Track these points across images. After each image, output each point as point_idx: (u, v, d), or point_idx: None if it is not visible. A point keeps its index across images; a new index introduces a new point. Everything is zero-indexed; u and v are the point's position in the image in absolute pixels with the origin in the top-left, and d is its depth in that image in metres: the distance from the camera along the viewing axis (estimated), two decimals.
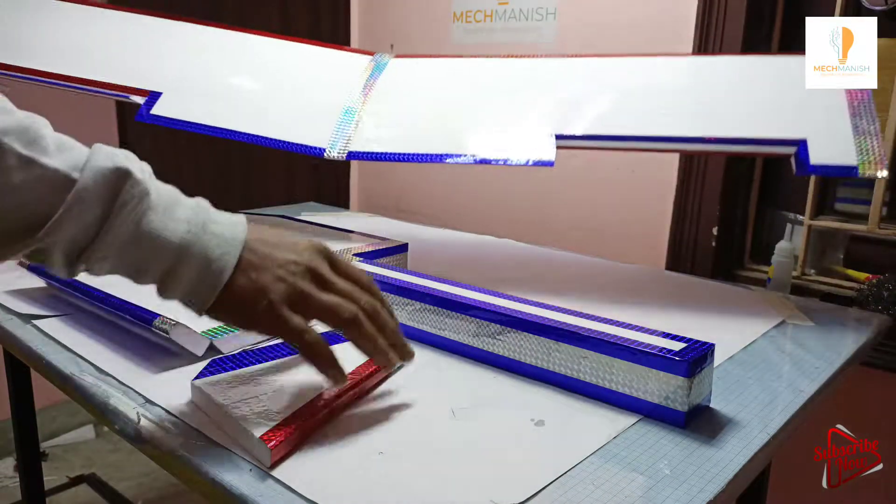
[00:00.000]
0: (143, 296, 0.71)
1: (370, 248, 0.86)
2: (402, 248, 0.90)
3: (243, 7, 1.95)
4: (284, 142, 0.88)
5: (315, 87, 0.99)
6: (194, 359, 0.62)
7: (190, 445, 0.48)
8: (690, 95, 0.87)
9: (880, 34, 1.10)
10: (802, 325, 0.77)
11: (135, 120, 0.89)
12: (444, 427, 0.51)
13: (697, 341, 0.55)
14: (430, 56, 1.02)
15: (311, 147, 0.88)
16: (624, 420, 0.53)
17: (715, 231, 1.48)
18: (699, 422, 0.53)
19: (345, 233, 0.99)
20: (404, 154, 0.84)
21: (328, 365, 0.49)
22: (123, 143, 1.71)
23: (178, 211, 0.46)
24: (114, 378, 0.58)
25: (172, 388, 0.56)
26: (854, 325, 0.78)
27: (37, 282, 0.81)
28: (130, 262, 0.45)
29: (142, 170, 0.45)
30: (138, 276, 0.46)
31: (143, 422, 0.51)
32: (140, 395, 0.55)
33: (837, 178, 1.41)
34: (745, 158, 1.48)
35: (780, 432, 0.53)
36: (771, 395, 0.59)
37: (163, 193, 0.46)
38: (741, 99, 0.85)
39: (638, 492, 0.44)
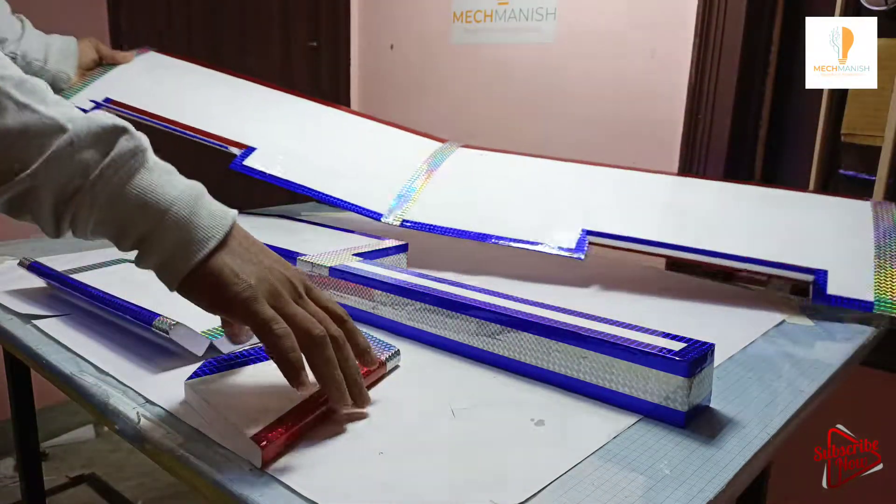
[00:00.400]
0: (143, 296, 0.71)
1: (370, 249, 0.86)
2: (403, 248, 0.90)
3: (244, 7, 1.95)
4: (350, 203, 0.98)
5: (385, 162, 1.09)
6: (194, 359, 0.62)
7: (190, 445, 0.48)
8: (720, 216, 0.94)
9: (880, 34, 1.10)
10: (802, 325, 0.77)
11: (229, 167, 1.02)
12: (444, 427, 0.51)
13: (697, 341, 0.55)
14: (494, 150, 1.12)
15: (371, 211, 0.97)
16: (624, 420, 0.53)
17: None
18: (699, 422, 0.53)
19: (345, 233, 0.99)
20: (452, 229, 0.91)
21: (291, 367, 0.47)
22: None
23: (172, 178, 0.47)
24: (114, 378, 0.58)
25: (172, 388, 0.56)
26: (854, 325, 0.78)
27: (37, 282, 0.81)
28: (117, 217, 0.45)
29: (141, 134, 0.46)
30: (121, 237, 0.46)
31: (143, 422, 0.51)
32: (140, 395, 0.55)
33: (837, 178, 1.41)
34: (744, 157, 1.48)
35: (780, 432, 0.53)
36: (771, 395, 0.59)
37: (159, 161, 0.47)
38: (770, 225, 0.91)
39: (638, 492, 0.44)
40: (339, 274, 0.75)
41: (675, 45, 1.48)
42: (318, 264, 0.77)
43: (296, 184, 1.01)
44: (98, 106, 1.07)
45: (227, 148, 1.06)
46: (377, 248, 0.87)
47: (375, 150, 1.14)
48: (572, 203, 0.96)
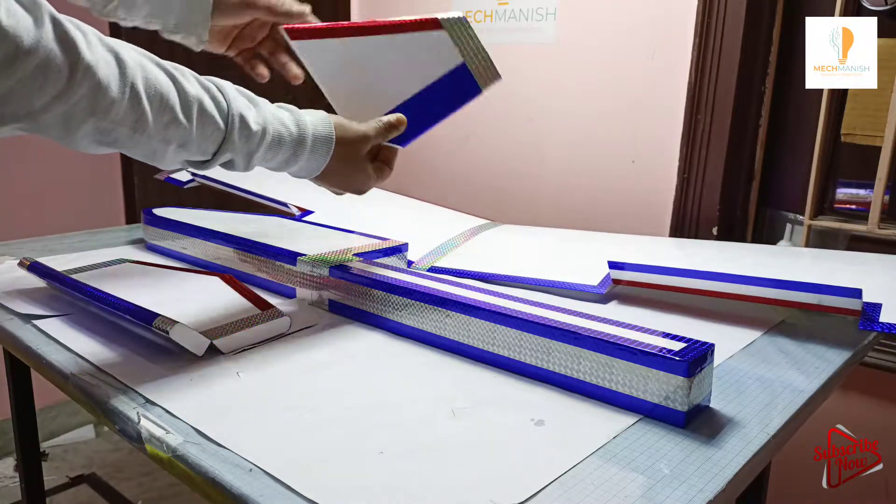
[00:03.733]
0: (143, 295, 0.71)
1: (370, 249, 0.86)
2: (403, 248, 0.90)
3: None
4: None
5: (427, 227, 1.15)
6: (194, 359, 0.62)
7: (190, 445, 0.48)
8: (760, 262, 0.93)
9: (880, 34, 1.11)
10: (802, 325, 0.77)
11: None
12: (444, 427, 0.51)
13: (697, 341, 0.55)
14: (532, 226, 1.20)
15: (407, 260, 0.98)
16: (624, 420, 0.53)
17: (715, 231, 1.48)
18: (699, 422, 0.53)
19: (345, 233, 0.99)
20: (478, 272, 0.91)
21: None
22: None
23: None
24: (114, 378, 0.58)
25: (172, 388, 0.56)
26: (854, 325, 0.78)
27: (37, 282, 0.81)
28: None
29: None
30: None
31: (143, 422, 0.51)
32: (140, 395, 0.56)
33: (837, 177, 1.41)
34: (744, 157, 1.48)
35: (780, 432, 0.53)
36: (771, 395, 0.59)
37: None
38: (808, 267, 0.90)
39: (638, 492, 0.44)
40: (339, 274, 0.75)
41: (675, 45, 1.48)
42: (318, 264, 0.77)
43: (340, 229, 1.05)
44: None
45: (287, 206, 1.15)
46: (377, 248, 0.87)
47: (419, 220, 1.22)
48: (600, 260, 0.91)
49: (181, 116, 0.55)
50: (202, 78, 0.59)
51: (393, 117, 0.73)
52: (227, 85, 0.61)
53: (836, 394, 0.66)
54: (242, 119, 0.60)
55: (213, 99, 0.58)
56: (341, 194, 0.75)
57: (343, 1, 2.12)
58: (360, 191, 0.74)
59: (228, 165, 0.63)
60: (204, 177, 1.16)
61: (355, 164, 0.71)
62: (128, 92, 0.51)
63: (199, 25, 0.74)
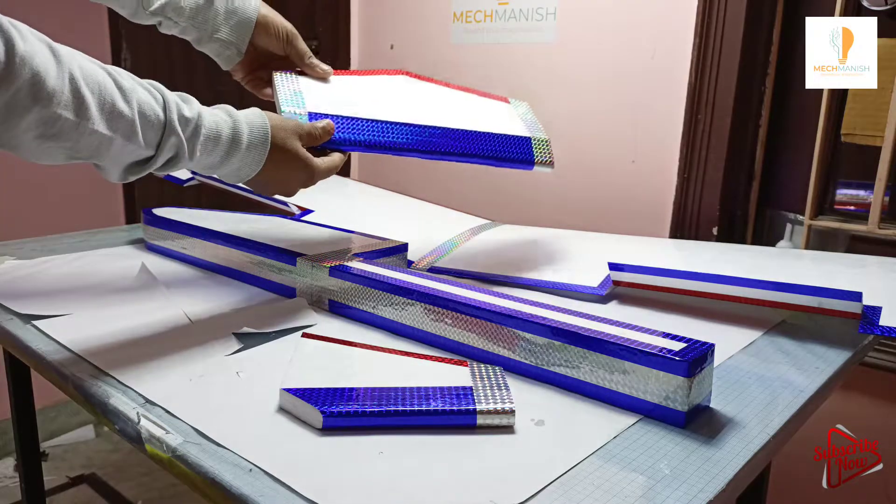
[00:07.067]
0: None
1: (370, 249, 0.86)
2: (402, 248, 0.90)
3: None
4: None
5: (427, 227, 1.18)
6: (194, 358, 0.62)
7: (190, 445, 0.48)
8: (759, 263, 0.94)
9: (880, 34, 1.11)
10: (802, 325, 0.77)
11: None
12: (444, 427, 0.51)
13: (697, 341, 0.55)
14: (531, 226, 1.23)
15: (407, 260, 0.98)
16: (624, 420, 0.53)
17: (715, 231, 1.48)
18: (699, 422, 0.53)
19: (345, 233, 0.99)
20: (478, 273, 0.92)
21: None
22: None
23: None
24: (114, 378, 0.58)
25: (172, 388, 0.56)
26: (854, 325, 0.78)
27: (37, 282, 0.81)
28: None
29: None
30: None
31: (143, 422, 0.51)
32: (140, 395, 0.56)
33: (837, 178, 1.41)
34: (744, 157, 1.48)
35: (780, 432, 0.53)
36: (771, 395, 0.59)
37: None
38: (807, 270, 0.91)
39: (638, 492, 0.44)
40: (339, 274, 0.75)
41: (675, 45, 1.48)
42: (318, 264, 0.77)
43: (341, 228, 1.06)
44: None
45: (287, 206, 1.16)
46: (377, 248, 0.87)
47: (419, 220, 1.23)
48: (600, 261, 0.91)
49: (121, 104, 0.55)
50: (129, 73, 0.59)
51: (325, 122, 0.75)
52: (154, 81, 0.60)
53: (836, 394, 0.66)
54: (179, 108, 0.60)
55: (147, 90, 0.58)
56: (270, 195, 0.75)
57: (343, 1, 2.12)
58: (288, 192, 0.73)
59: (172, 163, 0.61)
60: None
61: (288, 162, 0.70)
62: (66, 79, 0.51)
63: (239, 42, 0.81)
